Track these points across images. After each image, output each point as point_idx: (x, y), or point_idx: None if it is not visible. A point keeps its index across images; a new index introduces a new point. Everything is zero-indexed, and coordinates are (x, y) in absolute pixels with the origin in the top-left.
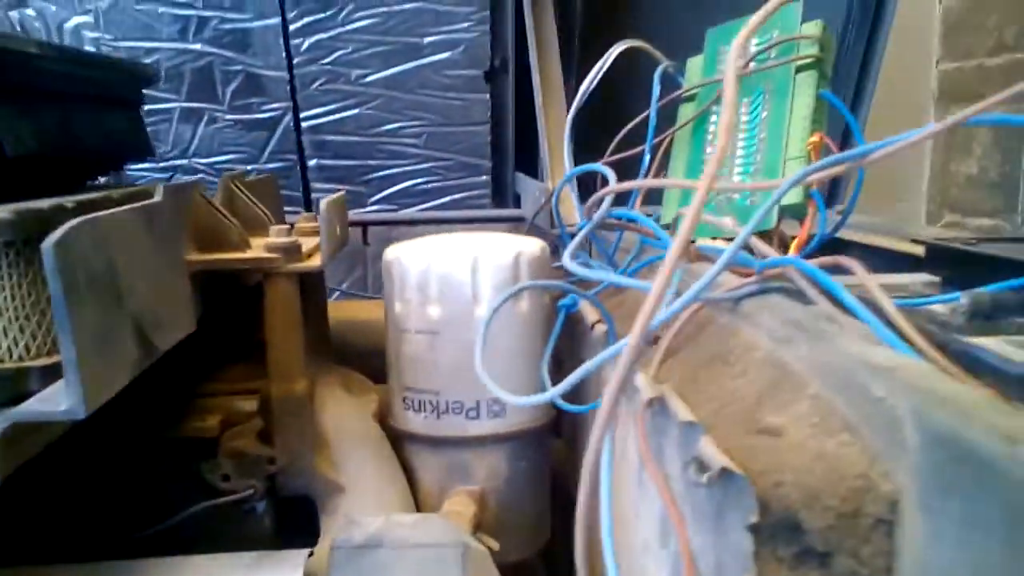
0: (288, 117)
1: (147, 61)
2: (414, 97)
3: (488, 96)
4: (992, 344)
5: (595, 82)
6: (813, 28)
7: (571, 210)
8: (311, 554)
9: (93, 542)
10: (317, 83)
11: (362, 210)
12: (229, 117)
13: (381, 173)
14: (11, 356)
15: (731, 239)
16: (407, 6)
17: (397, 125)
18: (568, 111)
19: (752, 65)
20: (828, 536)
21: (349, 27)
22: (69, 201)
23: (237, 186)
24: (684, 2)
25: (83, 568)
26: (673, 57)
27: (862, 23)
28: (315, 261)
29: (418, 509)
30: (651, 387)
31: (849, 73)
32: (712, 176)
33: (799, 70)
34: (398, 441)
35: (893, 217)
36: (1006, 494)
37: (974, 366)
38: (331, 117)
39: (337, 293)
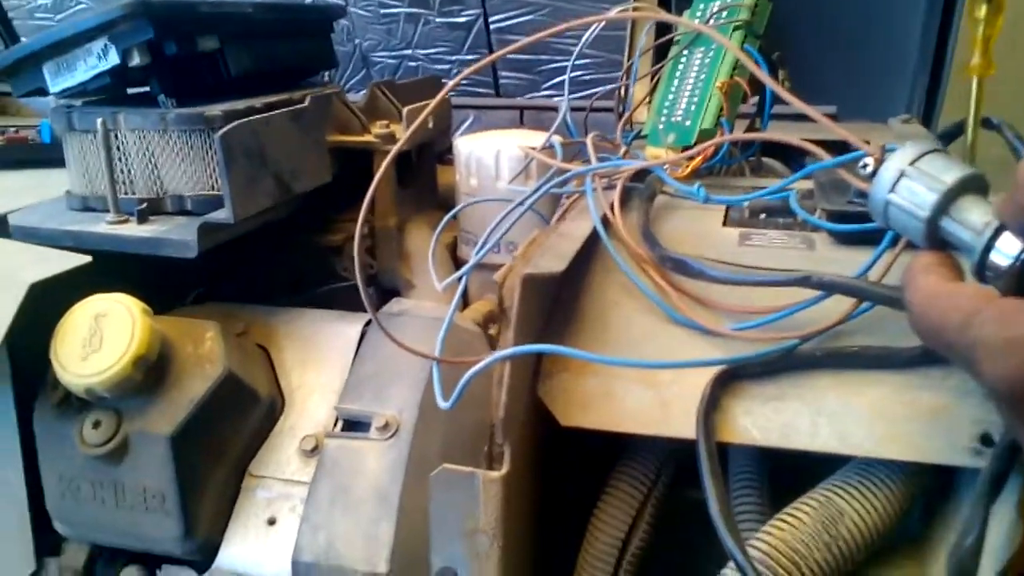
0: (480, 21)
1: None
2: (573, 7)
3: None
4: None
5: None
6: None
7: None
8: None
9: (275, 299)
10: None
11: (522, 97)
12: (438, 20)
13: (551, 66)
14: (213, 189)
15: (673, 148)
16: None
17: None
18: None
19: (711, 22)
20: None
21: None
22: (259, 102)
23: (381, 90)
24: None
25: (263, 308)
26: None
27: None
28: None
29: (466, 305)
30: None
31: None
32: None
33: (735, 29)
34: (459, 262)
35: None
36: None
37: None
38: (512, 21)
39: None
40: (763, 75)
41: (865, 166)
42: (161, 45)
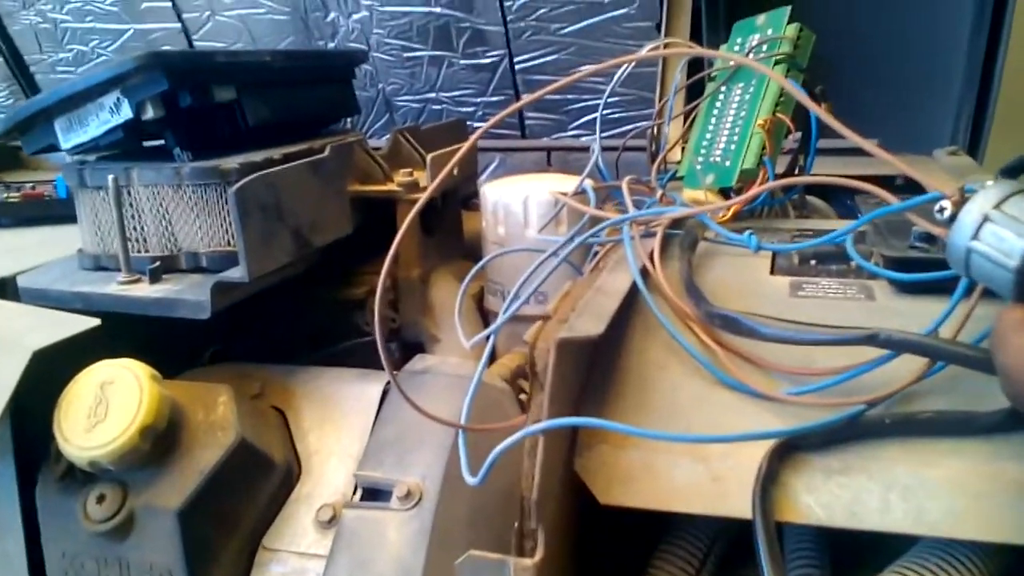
0: (505, 62)
1: (402, 22)
2: (600, 44)
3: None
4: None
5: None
6: (791, 30)
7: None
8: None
9: (287, 357)
10: (525, 35)
11: (548, 138)
12: (463, 62)
13: (578, 105)
14: (229, 245)
15: (711, 190)
16: None
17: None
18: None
19: (751, 56)
20: None
21: None
22: (277, 153)
23: (404, 136)
24: None
25: (280, 367)
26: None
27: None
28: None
29: (493, 360)
30: None
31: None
32: None
33: (776, 63)
34: (486, 314)
35: None
36: None
37: (731, 326)
38: (537, 61)
39: None
40: (820, 111)
41: (942, 210)
42: (175, 97)
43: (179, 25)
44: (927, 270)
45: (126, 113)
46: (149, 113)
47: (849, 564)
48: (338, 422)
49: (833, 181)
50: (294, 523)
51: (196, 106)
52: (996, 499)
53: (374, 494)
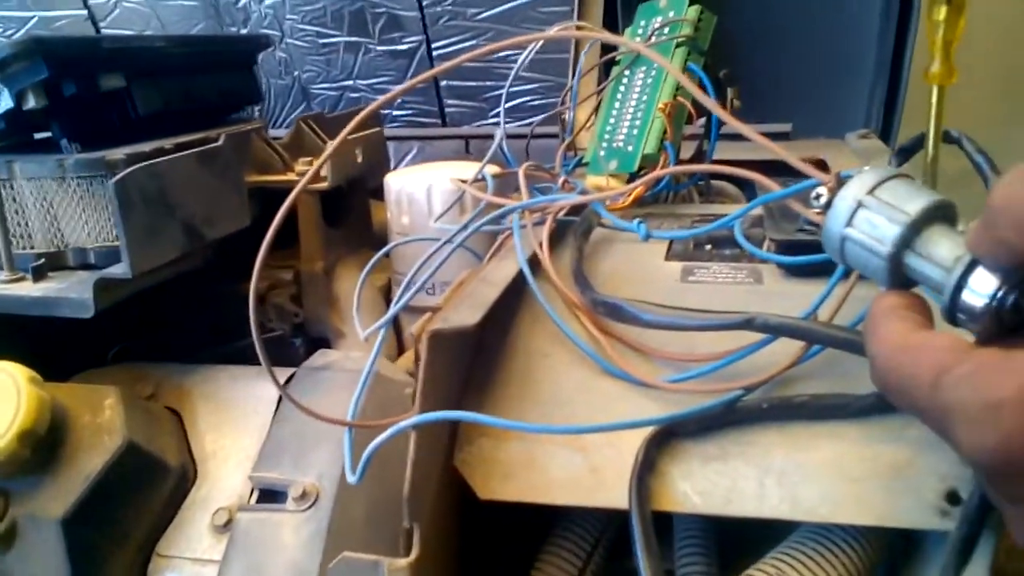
0: (422, 48)
1: (316, 6)
2: (517, 30)
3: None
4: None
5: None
6: (692, 12)
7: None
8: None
9: (191, 353)
10: (442, 20)
11: (469, 126)
12: (379, 48)
13: (495, 92)
14: (117, 240)
15: (615, 176)
16: None
17: (506, 53)
18: None
19: (653, 39)
20: None
21: None
22: (169, 143)
23: (308, 124)
24: None
25: (176, 366)
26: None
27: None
28: (324, 183)
29: (401, 352)
30: None
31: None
32: None
33: (677, 46)
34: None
35: None
36: None
37: (615, 313)
38: (455, 47)
39: None
40: (703, 96)
41: (818, 196)
42: (59, 85)
43: (85, 12)
44: (815, 253)
45: (6, 102)
46: (30, 102)
47: (741, 550)
48: (235, 422)
49: (715, 169)
50: (189, 528)
51: (82, 95)
52: (871, 483)
53: (270, 495)
